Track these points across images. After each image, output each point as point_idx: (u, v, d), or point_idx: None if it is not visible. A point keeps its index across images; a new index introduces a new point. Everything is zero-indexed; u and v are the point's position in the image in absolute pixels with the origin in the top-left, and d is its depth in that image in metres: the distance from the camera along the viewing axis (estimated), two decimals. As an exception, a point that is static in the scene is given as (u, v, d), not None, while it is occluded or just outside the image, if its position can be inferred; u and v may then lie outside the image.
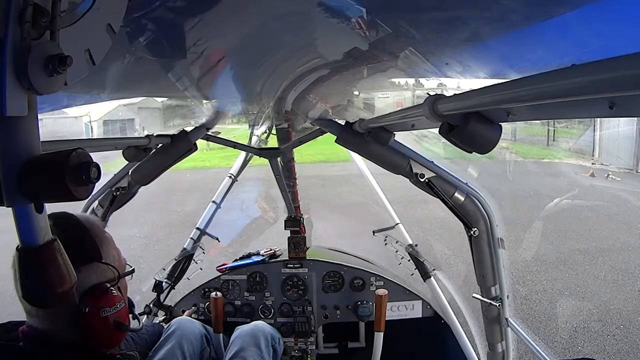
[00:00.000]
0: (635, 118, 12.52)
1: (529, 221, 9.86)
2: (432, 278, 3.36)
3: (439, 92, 1.34)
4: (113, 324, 1.38)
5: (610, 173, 14.70)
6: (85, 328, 1.34)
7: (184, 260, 3.50)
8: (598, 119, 15.94)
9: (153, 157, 2.56)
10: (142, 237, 10.31)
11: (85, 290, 1.35)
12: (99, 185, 2.68)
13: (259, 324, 2.84)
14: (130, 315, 1.56)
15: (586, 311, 6.68)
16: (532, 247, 8.64)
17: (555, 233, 9.70)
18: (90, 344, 1.37)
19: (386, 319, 3.04)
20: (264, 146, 3.62)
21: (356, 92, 2.50)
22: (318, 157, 16.60)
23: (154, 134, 2.47)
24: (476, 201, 2.45)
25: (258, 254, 3.55)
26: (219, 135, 3.15)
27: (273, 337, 2.79)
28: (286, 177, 3.75)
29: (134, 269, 1.56)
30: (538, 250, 8.63)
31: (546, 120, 16.97)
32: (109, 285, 1.40)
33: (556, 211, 10.62)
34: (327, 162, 16.15)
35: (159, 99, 2.69)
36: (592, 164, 16.24)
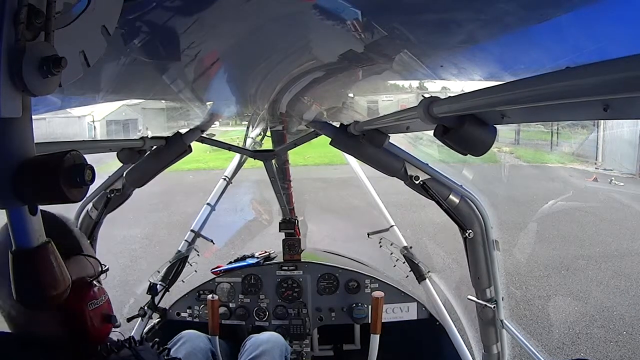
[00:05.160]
0: (639, 123, 12.61)
1: (533, 226, 9.86)
2: (427, 280, 3.36)
3: (433, 94, 1.34)
4: (100, 316, 1.36)
5: (613, 178, 14.65)
6: (74, 322, 1.31)
7: (179, 263, 3.49)
8: (601, 124, 15.98)
9: (147, 159, 2.54)
10: (143, 237, 10.27)
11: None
12: (93, 187, 2.67)
13: (274, 334, 2.89)
14: None
15: (589, 317, 6.63)
16: (536, 252, 8.63)
17: (558, 238, 9.65)
18: (78, 339, 1.34)
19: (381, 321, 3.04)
20: (258, 148, 3.62)
21: (351, 95, 2.50)
22: (322, 159, 16.58)
23: (149, 136, 2.46)
24: (471, 203, 2.46)
25: (253, 256, 3.54)
26: (213, 138, 3.14)
27: (287, 348, 2.84)
28: (281, 179, 3.75)
29: (108, 267, 1.53)
30: (541, 255, 8.60)
31: (549, 125, 17.08)
32: (91, 279, 1.38)
33: (559, 216, 10.58)
34: (330, 164, 16.08)
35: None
36: (596, 169, 16.23)
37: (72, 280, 1.30)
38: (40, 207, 0.88)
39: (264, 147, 3.65)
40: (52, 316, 1.29)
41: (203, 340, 2.78)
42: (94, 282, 1.40)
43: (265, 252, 3.57)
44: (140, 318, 3.18)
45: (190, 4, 1.08)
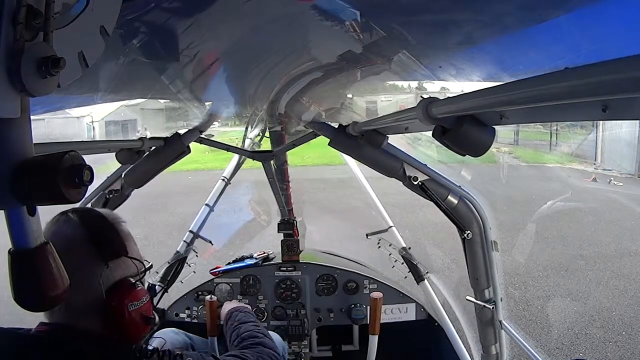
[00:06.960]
0: (637, 124, 12.58)
1: (531, 226, 9.85)
2: (425, 281, 3.36)
3: (432, 95, 1.34)
4: (140, 317, 1.40)
5: (612, 178, 14.61)
6: (113, 322, 1.35)
7: (177, 264, 3.48)
8: (600, 125, 15.98)
9: (146, 159, 2.54)
10: (142, 238, 10.22)
11: (112, 284, 1.35)
12: (91, 188, 2.67)
13: (271, 333, 2.86)
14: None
15: (588, 317, 6.63)
16: (535, 252, 8.62)
17: (557, 238, 9.64)
18: (116, 337, 1.37)
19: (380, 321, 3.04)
20: (257, 149, 3.62)
21: (350, 95, 2.50)
22: (320, 160, 16.54)
23: (147, 137, 2.46)
24: (469, 204, 2.46)
25: (251, 257, 3.53)
26: (212, 138, 3.13)
27: (284, 347, 2.84)
28: (279, 180, 3.74)
29: (152, 264, 1.55)
30: (540, 256, 8.59)
31: (548, 126, 17.06)
32: (134, 280, 1.42)
33: (558, 216, 10.56)
34: (329, 165, 16.01)
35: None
36: (595, 169, 16.21)
37: (116, 280, 1.36)
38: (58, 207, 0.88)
39: (262, 148, 3.65)
40: (94, 313, 1.33)
41: (182, 336, 2.74)
42: (137, 282, 1.43)
43: (264, 252, 3.56)
44: None
45: (189, 4, 1.08)
